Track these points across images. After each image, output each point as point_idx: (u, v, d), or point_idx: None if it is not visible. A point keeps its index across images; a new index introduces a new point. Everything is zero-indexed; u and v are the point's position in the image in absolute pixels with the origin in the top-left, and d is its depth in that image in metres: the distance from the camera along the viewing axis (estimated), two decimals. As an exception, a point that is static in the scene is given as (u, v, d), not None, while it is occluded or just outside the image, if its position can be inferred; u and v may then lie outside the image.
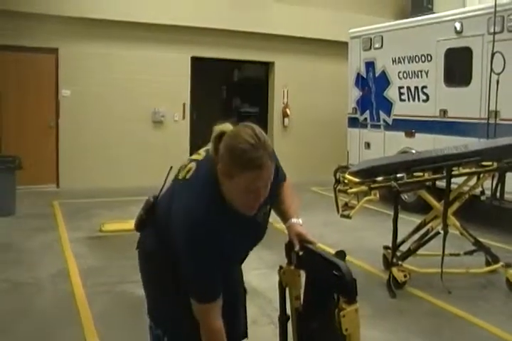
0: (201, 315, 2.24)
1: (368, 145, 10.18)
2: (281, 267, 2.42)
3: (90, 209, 8.81)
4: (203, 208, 2.17)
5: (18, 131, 10.50)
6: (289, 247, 2.36)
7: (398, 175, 5.20)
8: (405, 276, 5.32)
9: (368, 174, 5.27)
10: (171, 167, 2.64)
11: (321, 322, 2.13)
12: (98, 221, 7.73)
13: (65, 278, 5.63)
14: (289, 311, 2.45)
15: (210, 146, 2.25)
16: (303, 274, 2.40)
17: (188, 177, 2.31)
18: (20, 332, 4.40)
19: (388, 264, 5.51)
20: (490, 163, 5.50)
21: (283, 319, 2.44)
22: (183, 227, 2.19)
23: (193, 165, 2.35)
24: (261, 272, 5.09)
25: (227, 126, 2.20)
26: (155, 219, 2.45)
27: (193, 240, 2.17)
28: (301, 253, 2.27)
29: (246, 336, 2.74)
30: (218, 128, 2.21)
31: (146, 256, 2.54)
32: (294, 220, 2.40)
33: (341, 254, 2.16)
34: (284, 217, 2.47)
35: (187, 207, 2.20)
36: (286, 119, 12.67)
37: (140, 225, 2.54)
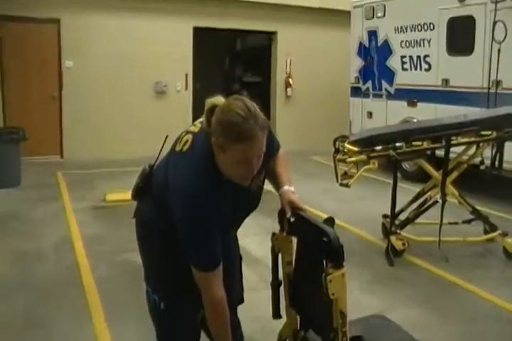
0: (203, 284, 2.29)
1: (370, 114, 10.17)
2: (274, 233, 2.47)
3: (93, 180, 8.90)
4: (199, 181, 2.21)
5: (21, 103, 10.52)
6: (281, 214, 2.40)
7: (397, 144, 5.22)
8: (404, 245, 5.37)
9: (366, 143, 5.29)
10: (167, 136, 2.68)
11: (310, 287, 2.18)
12: (101, 191, 7.80)
13: (68, 246, 5.73)
14: (281, 276, 2.51)
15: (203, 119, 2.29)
16: (295, 240, 2.45)
17: (184, 149, 2.34)
18: (24, 299, 4.50)
19: (387, 233, 5.56)
20: (489, 133, 5.52)
21: (275, 284, 2.50)
22: (180, 201, 2.23)
23: (189, 137, 2.37)
24: (261, 239, 5.17)
25: (219, 99, 2.23)
26: (151, 188, 2.50)
27: (190, 213, 2.21)
28: (292, 219, 2.32)
29: (242, 301, 2.81)
30: (210, 101, 2.23)
31: (143, 224, 2.59)
32: (286, 188, 2.44)
33: (330, 221, 2.20)
34: (277, 185, 2.51)
35: (184, 180, 2.24)
36: (288, 89, 12.63)
37: (137, 194, 2.58)
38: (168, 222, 2.32)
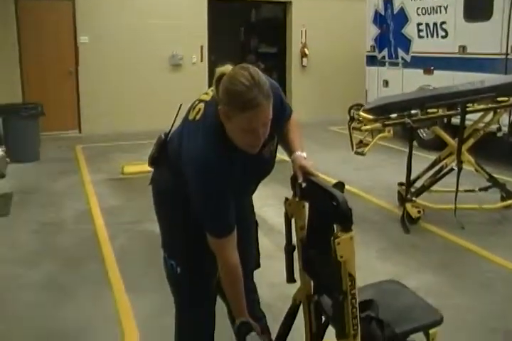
0: (218, 249, 2.33)
1: (386, 83, 10.09)
2: (286, 199, 2.49)
3: (111, 153, 8.99)
4: (210, 150, 2.24)
5: (39, 79, 10.57)
6: (293, 180, 2.43)
7: (412, 112, 5.20)
8: (419, 212, 5.39)
9: (381, 111, 5.28)
10: (180, 105, 2.71)
11: (321, 251, 2.21)
12: (119, 163, 7.89)
13: (88, 217, 5.83)
14: (295, 241, 2.54)
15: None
16: (307, 206, 2.48)
17: (197, 118, 2.37)
18: (47, 267, 4.62)
19: (403, 200, 5.57)
20: (506, 99, 5.48)
21: (289, 249, 2.53)
22: (192, 171, 2.27)
23: (201, 105, 2.40)
24: (276, 208, 5.21)
25: (227, 68, 2.24)
26: (167, 155, 2.54)
27: (203, 182, 2.25)
28: (303, 185, 2.35)
29: (259, 266, 2.85)
30: (219, 70, 2.25)
31: (159, 191, 2.64)
32: (298, 153, 2.46)
33: (340, 185, 2.23)
34: (289, 151, 2.53)
35: (195, 151, 2.27)
36: (304, 59, 12.55)
37: (153, 162, 2.62)
38: (183, 189, 2.36)
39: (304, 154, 2.46)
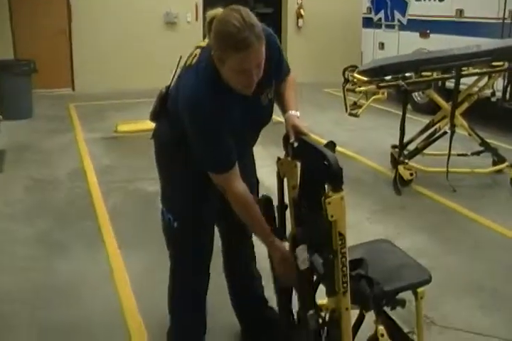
0: (223, 185, 2.37)
1: (382, 45, 10.01)
2: (279, 158, 2.50)
3: (105, 111, 8.95)
4: (203, 88, 2.27)
5: (31, 36, 10.43)
6: (286, 139, 2.43)
7: (407, 75, 5.20)
8: (411, 174, 5.43)
9: (376, 73, 5.27)
10: (181, 56, 2.70)
11: (313, 211, 2.23)
12: (113, 122, 7.83)
13: (81, 176, 5.86)
14: (287, 200, 2.56)
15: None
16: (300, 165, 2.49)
17: (193, 63, 2.39)
18: (41, 223, 4.67)
19: (395, 163, 5.61)
20: (501, 64, 5.47)
21: (281, 208, 2.56)
22: (187, 109, 2.30)
23: (198, 51, 2.42)
24: (272, 169, 5.23)
25: (218, 11, 2.24)
26: (167, 108, 2.54)
27: (199, 119, 2.28)
28: (295, 144, 2.36)
29: None
30: (210, 13, 2.25)
31: (160, 144, 2.64)
32: (291, 112, 2.47)
33: (331, 145, 2.23)
34: (283, 109, 2.54)
35: (189, 89, 2.30)
36: (300, 20, 12.41)
37: (154, 116, 2.62)
38: (182, 140, 2.38)
39: (298, 113, 2.47)
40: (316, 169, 2.18)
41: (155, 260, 3.89)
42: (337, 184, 2.08)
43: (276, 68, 2.45)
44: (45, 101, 9.56)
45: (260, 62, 2.17)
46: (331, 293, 2.17)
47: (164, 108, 2.55)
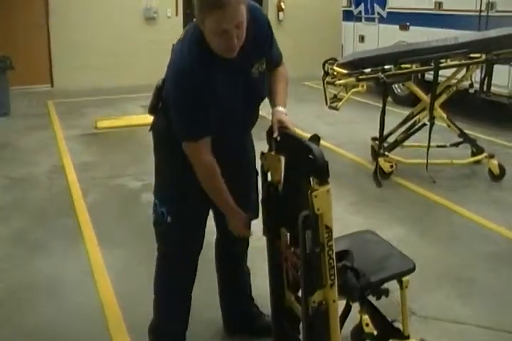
0: (190, 153, 2.38)
1: (362, 38, 10.02)
2: (262, 153, 2.49)
3: (84, 108, 8.86)
4: (188, 54, 2.29)
5: (7, 31, 10.26)
6: (270, 133, 2.42)
7: (386, 67, 5.20)
8: (391, 167, 5.45)
9: (355, 66, 5.26)
10: (173, 45, 2.69)
11: (298, 204, 2.23)
12: (92, 119, 7.79)
13: (61, 173, 5.79)
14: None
15: None
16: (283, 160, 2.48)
17: (181, 37, 2.41)
18: (18, 222, 4.62)
19: (376, 155, 5.62)
20: (478, 55, 5.49)
21: (266, 201, 2.54)
22: (171, 71, 2.34)
23: (188, 26, 2.44)
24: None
25: None
26: (163, 99, 2.52)
27: (178, 82, 2.31)
28: (278, 138, 2.35)
29: (257, 216, 2.78)
30: None
31: (156, 135, 2.64)
32: (279, 108, 2.46)
33: (315, 138, 2.22)
34: (271, 104, 2.54)
35: (176, 58, 2.34)
36: (280, 13, 12.39)
37: (152, 109, 2.61)
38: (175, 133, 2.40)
39: (285, 110, 2.47)
40: (300, 163, 2.17)
41: (135, 257, 3.88)
42: (323, 177, 2.08)
43: (267, 44, 2.48)
44: (22, 98, 9.47)
45: (240, 23, 2.17)
46: (318, 285, 2.17)
47: (160, 99, 2.53)
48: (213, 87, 2.29)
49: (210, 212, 2.76)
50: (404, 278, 2.54)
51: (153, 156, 2.68)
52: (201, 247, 2.73)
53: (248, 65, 2.40)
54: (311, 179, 2.15)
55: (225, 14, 2.11)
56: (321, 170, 2.08)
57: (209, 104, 2.29)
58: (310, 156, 2.07)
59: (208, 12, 2.12)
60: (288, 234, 2.52)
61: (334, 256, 2.14)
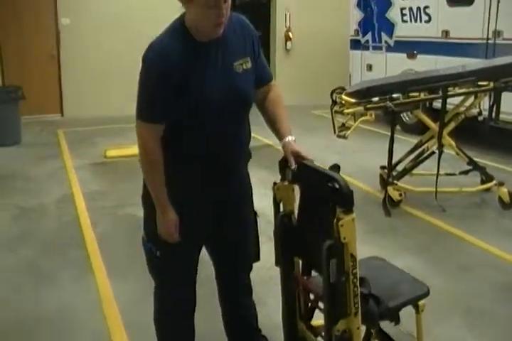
0: (138, 133, 2.37)
1: (369, 67, 10.09)
2: (275, 183, 2.49)
3: (94, 137, 8.93)
4: (164, 37, 2.36)
5: (20, 62, 10.45)
6: (282, 164, 2.42)
7: (394, 96, 5.22)
8: (400, 195, 5.43)
9: (363, 94, 5.29)
10: None
11: (317, 233, 2.24)
12: (102, 148, 7.85)
13: (70, 202, 5.82)
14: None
15: None
16: (296, 189, 2.47)
17: None
18: (27, 252, 4.61)
19: (384, 184, 5.61)
20: (486, 83, 5.51)
21: (278, 232, 2.52)
22: (143, 57, 2.36)
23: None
24: (260, 192, 5.22)
25: None
26: None
27: (147, 57, 2.34)
28: (295, 168, 2.34)
29: (258, 259, 2.76)
30: None
31: None
32: (288, 139, 2.44)
33: (336, 168, 2.24)
34: (279, 136, 2.50)
35: (153, 40, 2.38)
36: (288, 43, 12.50)
37: None
38: (168, 160, 2.37)
39: (294, 138, 2.45)
40: (321, 192, 2.17)
41: (144, 288, 3.82)
42: (348, 206, 2.10)
43: (251, 47, 2.47)
44: (33, 127, 9.56)
45: None
46: (342, 314, 2.18)
47: None
48: (185, 71, 2.29)
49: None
50: (420, 302, 2.57)
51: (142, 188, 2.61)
52: (196, 274, 2.68)
53: (229, 57, 2.39)
54: (331, 208, 2.14)
55: None
56: (346, 199, 2.10)
57: (173, 88, 2.28)
58: (335, 185, 2.08)
59: None
60: (300, 263, 2.52)
61: (358, 284, 2.15)
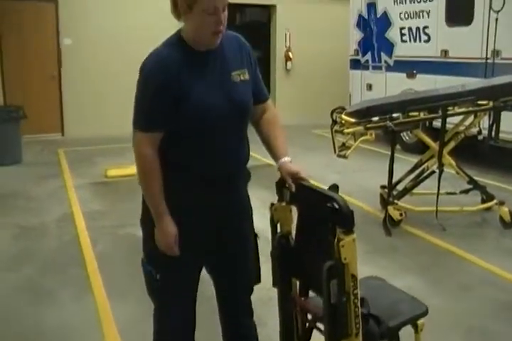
0: (135, 142, 2.38)
1: (369, 86, 10.15)
2: (272, 204, 2.47)
3: (94, 156, 8.95)
4: (162, 47, 2.41)
5: (21, 81, 10.51)
6: (280, 184, 2.41)
7: (394, 115, 5.24)
8: (401, 215, 5.43)
9: (363, 114, 5.31)
10: None
11: (315, 254, 2.23)
12: (102, 167, 7.85)
13: (70, 222, 5.80)
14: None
15: None
16: (294, 210, 2.47)
17: None
18: (27, 271, 4.60)
19: (385, 203, 5.61)
20: (486, 102, 5.53)
21: (275, 253, 2.51)
22: (141, 66, 2.41)
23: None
24: (260, 213, 5.21)
25: None
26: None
27: (142, 69, 2.38)
28: (293, 189, 2.33)
29: (259, 281, 2.72)
30: None
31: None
32: (285, 159, 2.43)
33: (335, 188, 2.23)
34: (275, 157, 2.50)
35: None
36: (288, 63, 12.59)
37: None
38: (166, 171, 2.36)
39: (289, 159, 2.44)
40: (320, 213, 2.16)
41: (144, 309, 3.79)
42: (349, 226, 2.09)
43: (248, 61, 2.52)
44: (34, 146, 9.58)
45: (225, 5, 2.32)
46: (343, 335, 2.16)
47: None
48: (183, 82, 2.31)
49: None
50: (419, 322, 2.55)
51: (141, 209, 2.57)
52: (196, 294, 2.65)
53: (227, 66, 2.43)
54: (330, 228, 2.14)
55: None
56: (346, 220, 2.09)
57: (172, 98, 2.30)
58: (335, 206, 2.08)
59: None
60: (298, 284, 2.51)
61: (359, 304, 2.14)
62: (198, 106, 2.32)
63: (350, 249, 2.07)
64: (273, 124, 2.60)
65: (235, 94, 2.41)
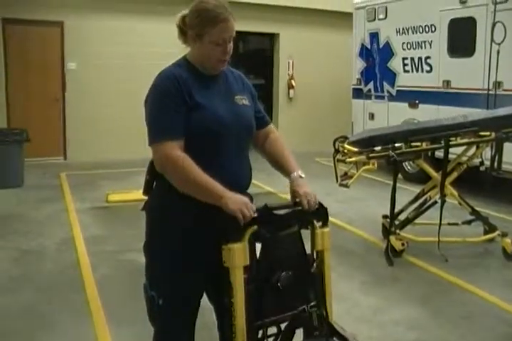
0: (158, 156, 2.41)
1: (372, 116, 10.21)
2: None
3: (96, 181, 8.96)
4: (171, 66, 2.56)
5: (25, 105, 10.60)
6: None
7: (396, 145, 5.26)
8: (403, 245, 5.41)
9: (366, 144, 5.33)
10: None
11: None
12: (104, 192, 7.83)
13: (71, 246, 5.78)
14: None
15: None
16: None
17: None
18: (26, 295, 4.56)
19: (387, 233, 5.59)
20: (488, 133, 5.55)
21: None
22: (152, 84, 2.54)
23: None
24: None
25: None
26: (157, 177, 2.51)
27: (153, 85, 2.52)
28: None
29: None
30: (182, 13, 2.56)
31: (148, 215, 2.59)
32: (295, 174, 2.64)
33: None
34: (285, 172, 2.66)
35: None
36: (291, 91, 12.68)
37: (146, 189, 2.59)
38: (167, 203, 2.42)
39: (300, 173, 2.65)
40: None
41: (143, 335, 3.79)
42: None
43: (249, 91, 2.70)
44: (36, 169, 9.59)
45: (232, 36, 2.47)
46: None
47: (154, 175, 2.52)
48: (192, 94, 2.42)
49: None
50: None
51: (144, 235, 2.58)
52: (196, 319, 2.64)
53: (231, 90, 2.59)
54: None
55: (227, 26, 2.43)
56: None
57: (184, 104, 2.41)
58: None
59: (213, 25, 2.41)
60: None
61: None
62: (209, 116, 2.43)
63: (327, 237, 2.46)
64: (279, 144, 2.74)
65: (240, 112, 2.57)
